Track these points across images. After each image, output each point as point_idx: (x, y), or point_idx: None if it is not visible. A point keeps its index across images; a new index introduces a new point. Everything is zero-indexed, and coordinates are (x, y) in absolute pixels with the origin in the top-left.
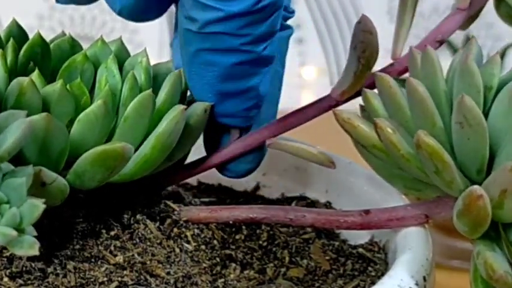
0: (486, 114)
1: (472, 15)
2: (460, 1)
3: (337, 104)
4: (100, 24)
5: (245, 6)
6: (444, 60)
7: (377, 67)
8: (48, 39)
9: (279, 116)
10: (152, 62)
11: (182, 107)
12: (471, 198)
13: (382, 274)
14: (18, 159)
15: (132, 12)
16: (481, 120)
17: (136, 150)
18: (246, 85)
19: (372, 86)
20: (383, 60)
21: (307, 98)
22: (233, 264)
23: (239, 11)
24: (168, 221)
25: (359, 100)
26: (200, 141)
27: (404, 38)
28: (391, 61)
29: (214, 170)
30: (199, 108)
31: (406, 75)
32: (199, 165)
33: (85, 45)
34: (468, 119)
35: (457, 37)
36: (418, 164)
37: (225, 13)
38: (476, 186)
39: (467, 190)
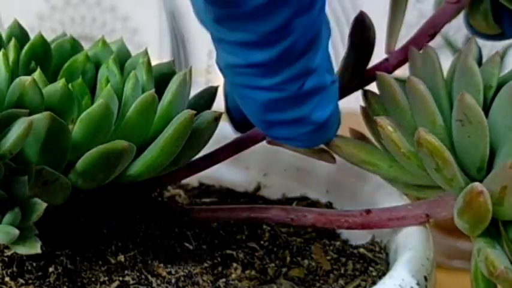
0: (486, 112)
1: (461, 7)
2: None
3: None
4: (100, 25)
5: (266, 56)
6: (444, 60)
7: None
8: (48, 39)
9: None
10: (153, 63)
11: (191, 112)
12: (472, 194)
13: (383, 274)
14: (20, 158)
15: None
16: (482, 118)
17: (139, 151)
18: (294, 115)
19: (367, 81)
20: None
21: None
22: (234, 264)
23: (261, 61)
24: (170, 220)
25: (359, 100)
26: None
27: (397, 32)
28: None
29: (215, 171)
30: (209, 116)
31: (405, 73)
32: (199, 164)
33: (85, 46)
34: (469, 117)
35: (457, 37)
36: (418, 162)
37: (246, 62)
38: (476, 183)
39: (468, 187)
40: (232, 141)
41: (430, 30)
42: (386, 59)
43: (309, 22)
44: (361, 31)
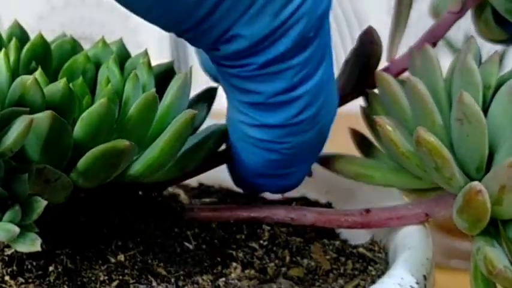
0: (485, 112)
1: (462, 16)
2: (452, 5)
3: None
4: (100, 25)
5: (282, 119)
6: (444, 60)
7: None
8: (48, 39)
9: None
10: (152, 63)
11: (193, 112)
12: (471, 193)
13: (383, 273)
14: (21, 156)
15: None
16: (481, 117)
17: (140, 150)
18: (285, 171)
19: (369, 86)
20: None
21: None
22: (234, 264)
23: (275, 123)
24: (169, 220)
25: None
26: None
27: (398, 40)
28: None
29: (214, 171)
30: (221, 129)
31: (405, 75)
32: (201, 166)
33: (85, 46)
34: (468, 116)
35: (457, 37)
36: (417, 161)
37: (260, 123)
38: (475, 182)
39: (467, 186)
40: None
41: (431, 39)
42: (387, 67)
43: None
44: (367, 45)
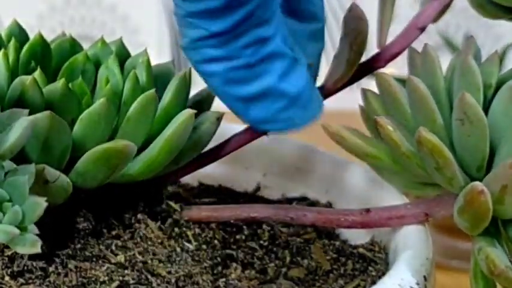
0: (486, 111)
1: (448, 2)
2: None
3: (331, 93)
4: (100, 25)
5: (227, 24)
6: (444, 59)
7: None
8: (48, 39)
9: None
10: (152, 63)
11: (192, 111)
12: (473, 193)
13: (383, 274)
14: (20, 157)
15: None
16: (482, 117)
17: (139, 151)
18: (260, 86)
19: (362, 74)
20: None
21: None
22: (234, 264)
23: (222, 29)
24: (169, 220)
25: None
26: None
27: (387, 26)
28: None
29: (214, 171)
30: (212, 116)
31: (404, 72)
32: (198, 162)
33: (85, 46)
34: (469, 116)
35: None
36: (418, 161)
37: (209, 32)
38: (477, 182)
39: (468, 186)
40: (231, 137)
41: (420, 23)
42: (378, 53)
43: None
44: (353, 22)
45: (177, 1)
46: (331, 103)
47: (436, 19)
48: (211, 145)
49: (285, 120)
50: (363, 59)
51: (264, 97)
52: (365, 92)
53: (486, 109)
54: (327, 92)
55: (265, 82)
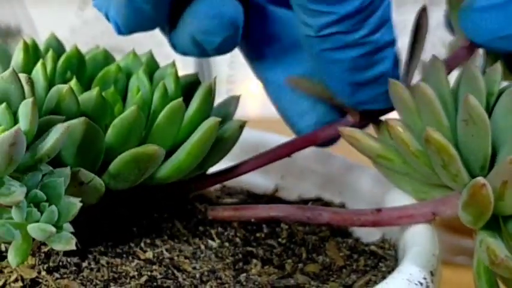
0: (489, 116)
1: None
2: (462, 40)
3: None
4: (129, 38)
5: (353, 6)
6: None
7: None
8: (81, 51)
9: None
10: (179, 73)
11: (216, 119)
12: (475, 187)
13: (393, 269)
14: (57, 161)
15: (128, 27)
16: (485, 118)
17: (167, 155)
18: (376, 72)
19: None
20: None
21: None
22: (254, 260)
23: (348, 12)
24: (194, 219)
25: None
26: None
27: (414, 69)
28: None
29: None
30: (235, 124)
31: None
32: (225, 174)
33: (117, 57)
34: (473, 117)
35: None
36: (426, 160)
37: (337, 15)
38: (480, 178)
39: (472, 181)
40: (258, 156)
41: (445, 70)
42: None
43: None
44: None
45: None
46: None
47: (461, 64)
48: (236, 153)
49: (385, 99)
50: None
51: (375, 82)
52: None
53: (489, 114)
54: (349, 123)
55: (382, 68)
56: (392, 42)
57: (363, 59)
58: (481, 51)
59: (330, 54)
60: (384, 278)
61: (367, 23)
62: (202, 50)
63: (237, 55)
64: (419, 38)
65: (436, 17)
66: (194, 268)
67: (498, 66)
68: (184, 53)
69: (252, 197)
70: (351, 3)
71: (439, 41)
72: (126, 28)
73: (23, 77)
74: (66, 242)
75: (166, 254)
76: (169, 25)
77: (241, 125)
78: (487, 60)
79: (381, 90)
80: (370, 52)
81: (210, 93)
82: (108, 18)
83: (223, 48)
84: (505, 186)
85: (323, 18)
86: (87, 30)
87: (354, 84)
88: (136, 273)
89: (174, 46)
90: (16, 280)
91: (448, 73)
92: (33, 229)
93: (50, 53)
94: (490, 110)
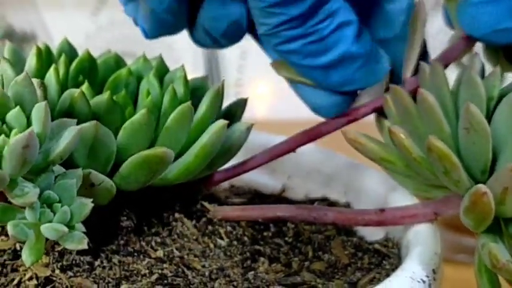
0: (489, 121)
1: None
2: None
3: (355, 119)
4: (140, 43)
5: (303, 8)
6: (450, 73)
7: None
8: (94, 55)
9: (301, 127)
10: (188, 77)
11: (224, 122)
12: (477, 195)
13: (396, 267)
14: (69, 162)
15: (153, 33)
16: (485, 126)
17: (176, 157)
18: (335, 54)
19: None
20: None
21: None
22: (262, 258)
23: (296, 15)
24: (204, 219)
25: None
26: None
27: (413, 60)
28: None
29: (244, 174)
30: (242, 126)
31: None
32: (232, 171)
33: (128, 62)
34: (473, 125)
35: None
36: (428, 165)
37: (287, 16)
38: (481, 185)
39: (473, 188)
40: (262, 152)
41: (443, 62)
42: (402, 85)
43: None
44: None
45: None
46: None
47: (459, 57)
48: (243, 155)
49: (361, 79)
50: None
51: (340, 63)
52: (386, 100)
53: (489, 119)
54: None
55: (340, 49)
56: (347, 23)
57: (314, 45)
58: (480, 44)
59: (283, 47)
60: (387, 275)
61: (315, 17)
62: (213, 39)
63: (245, 59)
64: (417, 29)
65: (438, 22)
66: (203, 266)
67: (497, 71)
68: (203, 45)
69: (260, 197)
70: (301, 5)
71: (441, 45)
72: (152, 34)
73: (35, 81)
74: (79, 241)
75: (177, 253)
76: (189, 25)
77: (248, 127)
78: (486, 53)
79: (351, 70)
80: (319, 39)
81: (218, 96)
82: (136, 23)
83: (230, 34)
84: (506, 192)
85: (274, 19)
86: (101, 36)
87: (319, 69)
88: (147, 271)
89: (196, 41)
90: (31, 278)
91: (447, 65)
92: (46, 229)
93: (63, 58)
94: (490, 114)
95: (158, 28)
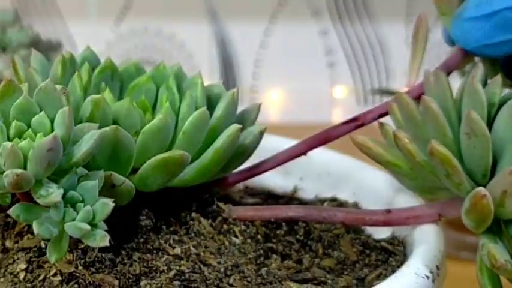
0: (490, 126)
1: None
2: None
3: (363, 124)
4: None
5: None
6: (454, 82)
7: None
8: (115, 63)
9: (312, 131)
10: (205, 83)
11: (238, 126)
12: (477, 197)
13: (402, 264)
14: (91, 164)
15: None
16: (486, 131)
17: (193, 160)
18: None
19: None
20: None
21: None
22: (274, 256)
23: None
24: (219, 218)
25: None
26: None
27: (417, 68)
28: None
29: (258, 176)
30: (256, 130)
31: None
32: (246, 173)
33: (147, 69)
34: (474, 130)
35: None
36: (431, 169)
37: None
38: (481, 188)
39: (473, 191)
40: (274, 155)
41: (445, 70)
42: (407, 92)
43: None
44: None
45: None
46: None
47: (462, 66)
48: (257, 158)
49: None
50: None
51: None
52: (391, 107)
53: (490, 125)
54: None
55: None
56: None
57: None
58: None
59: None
60: (393, 271)
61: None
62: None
63: (259, 67)
64: (419, 39)
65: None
66: (219, 263)
67: (498, 79)
68: None
69: (273, 197)
70: None
71: (444, 53)
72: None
73: (59, 87)
74: (101, 239)
75: (194, 250)
76: None
77: (262, 131)
78: (484, 64)
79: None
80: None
81: (233, 101)
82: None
83: None
84: (505, 194)
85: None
86: (122, 45)
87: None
88: (165, 267)
89: None
90: (55, 274)
91: (449, 73)
92: (69, 227)
93: (86, 65)
94: (491, 120)
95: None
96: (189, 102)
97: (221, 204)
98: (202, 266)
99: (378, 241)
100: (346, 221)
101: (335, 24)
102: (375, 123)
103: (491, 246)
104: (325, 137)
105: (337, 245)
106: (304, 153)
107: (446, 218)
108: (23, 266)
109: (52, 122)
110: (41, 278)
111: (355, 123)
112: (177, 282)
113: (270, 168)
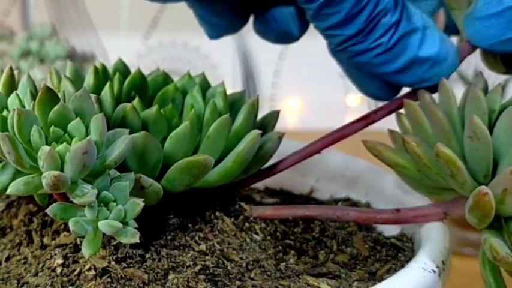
0: (491, 131)
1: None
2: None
3: (373, 121)
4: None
5: (355, 28)
6: (458, 91)
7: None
8: (145, 73)
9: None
10: (227, 92)
11: (258, 132)
12: (479, 195)
13: (410, 259)
14: (123, 167)
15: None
16: (487, 135)
17: (216, 163)
18: (403, 61)
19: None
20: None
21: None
22: (292, 251)
23: (352, 33)
24: (241, 217)
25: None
26: None
27: None
28: None
29: (277, 177)
30: (275, 135)
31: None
32: (265, 173)
33: (174, 79)
34: (477, 134)
35: (468, 71)
36: (437, 170)
37: (346, 36)
38: (483, 186)
39: (476, 189)
40: (291, 154)
41: None
42: (412, 90)
43: None
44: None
45: (312, 22)
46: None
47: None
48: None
49: (432, 77)
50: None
51: (410, 66)
52: (399, 116)
53: (491, 129)
54: (370, 120)
55: (406, 57)
56: (411, 31)
57: (381, 56)
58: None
59: (354, 59)
60: (402, 266)
61: (373, 33)
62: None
63: (278, 77)
64: None
65: None
66: (241, 258)
67: (499, 88)
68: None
69: (291, 197)
70: (353, 25)
71: None
72: (211, 36)
73: (93, 96)
74: (132, 236)
75: (217, 246)
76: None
77: (280, 136)
78: (483, 56)
79: (422, 70)
80: (384, 50)
81: (254, 108)
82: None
83: (282, 41)
84: (505, 193)
85: (335, 39)
86: (151, 56)
87: (392, 73)
88: (191, 262)
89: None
90: (90, 269)
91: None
92: (103, 225)
93: (117, 76)
94: (492, 125)
95: (213, 31)
96: (212, 110)
97: (243, 204)
98: (225, 261)
99: (388, 238)
100: (358, 219)
101: None
102: (385, 130)
103: (493, 241)
104: (339, 135)
105: (350, 241)
106: (319, 151)
107: (451, 217)
108: (60, 261)
109: (87, 127)
110: (76, 272)
111: (366, 120)
112: (202, 276)
113: (288, 167)
